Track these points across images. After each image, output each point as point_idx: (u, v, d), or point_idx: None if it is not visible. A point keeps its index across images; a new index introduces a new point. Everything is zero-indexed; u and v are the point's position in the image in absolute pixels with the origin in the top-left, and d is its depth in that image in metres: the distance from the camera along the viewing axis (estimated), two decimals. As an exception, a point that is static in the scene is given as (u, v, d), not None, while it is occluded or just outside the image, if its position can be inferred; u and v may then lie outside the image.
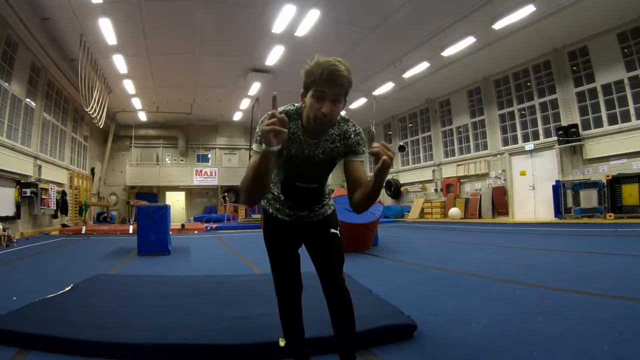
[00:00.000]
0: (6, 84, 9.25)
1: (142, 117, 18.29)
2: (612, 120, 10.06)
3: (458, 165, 14.98)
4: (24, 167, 10.34)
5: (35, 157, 11.07)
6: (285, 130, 1.17)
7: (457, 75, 13.32)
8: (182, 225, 12.94)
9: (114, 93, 14.09)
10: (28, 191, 10.17)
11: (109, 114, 15.26)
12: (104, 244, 8.22)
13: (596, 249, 5.26)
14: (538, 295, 2.87)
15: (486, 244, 6.64)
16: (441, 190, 15.83)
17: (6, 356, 1.83)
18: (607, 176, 9.80)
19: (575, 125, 10.66)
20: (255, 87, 14.34)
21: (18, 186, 9.80)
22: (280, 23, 9.55)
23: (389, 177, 18.37)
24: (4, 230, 7.66)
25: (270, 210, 1.57)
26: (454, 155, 15.40)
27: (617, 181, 9.65)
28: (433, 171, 16.21)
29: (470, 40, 10.50)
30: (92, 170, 17.60)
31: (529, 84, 12.31)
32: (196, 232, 12.04)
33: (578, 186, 10.58)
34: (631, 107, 9.61)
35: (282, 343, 1.65)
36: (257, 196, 1.38)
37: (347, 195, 1.42)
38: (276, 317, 1.60)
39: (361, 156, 1.46)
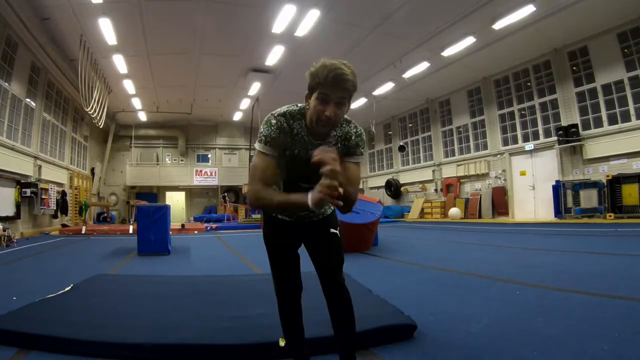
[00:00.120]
0: (6, 84, 9.25)
1: (142, 117, 18.30)
2: (612, 120, 10.06)
3: (458, 165, 14.98)
4: (24, 167, 10.34)
5: (35, 157, 11.07)
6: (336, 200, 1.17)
7: (457, 75, 13.32)
8: (182, 225, 12.94)
9: (114, 93, 14.09)
10: (28, 191, 10.18)
11: (109, 114, 15.26)
12: (104, 244, 8.22)
13: (596, 249, 5.26)
14: (538, 295, 2.87)
15: (486, 244, 6.64)
16: (441, 190, 15.83)
17: (6, 356, 1.83)
18: (607, 176, 9.80)
19: (575, 125, 10.66)
20: (255, 87, 14.35)
21: (18, 186, 9.80)
22: (280, 23, 9.55)
23: (389, 177, 18.44)
24: (4, 230, 7.66)
25: (271, 210, 1.57)
26: (454, 155, 15.40)
27: (617, 181, 9.65)
28: (433, 171, 16.20)
29: (470, 40, 10.50)
30: (92, 170, 17.60)
31: (529, 84, 12.31)
32: (196, 232, 12.04)
33: (578, 186, 10.58)
34: (631, 107, 9.61)
35: (282, 343, 1.65)
36: (268, 211, 1.40)
37: None
38: (276, 317, 1.59)
39: (358, 157, 1.46)
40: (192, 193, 21.10)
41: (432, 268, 4.36)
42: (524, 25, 9.67)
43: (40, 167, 11.27)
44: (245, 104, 16.71)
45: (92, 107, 10.97)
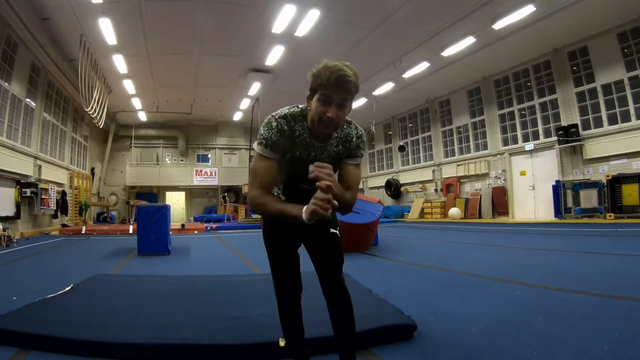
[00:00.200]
0: (6, 84, 9.25)
1: (142, 117, 18.30)
2: (612, 120, 10.06)
3: (458, 165, 14.98)
4: (24, 167, 10.34)
5: (35, 157, 11.07)
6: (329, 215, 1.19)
7: (457, 75, 13.32)
8: (182, 225, 12.94)
9: (114, 93, 14.09)
10: (28, 191, 10.18)
11: (109, 114, 15.26)
12: (104, 244, 8.22)
13: (596, 249, 5.25)
14: (538, 295, 2.87)
15: (486, 244, 6.64)
16: (441, 190, 15.83)
17: (6, 356, 1.83)
18: (607, 176, 9.80)
19: (575, 125, 10.66)
20: (255, 87, 14.35)
21: (18, 186, 9.80)
22: (280, 23, 9.55)
23: (389, 177, 18.44)
24: (4, 230, 7.66)
25: (270, 210, 1.56)
26: (454, 155, 15.40)
27: (617, 181, 9.65)
28: (433, 171, 16.20)
29: (470, 40, 10.50)
30: (92, 170, 17.60)
31: (529, 84, 12.31)
32: (196, 232, 12.04)
33: (578, 186, 10.58)
34: (631, 107, 9.61)
35: (282, 343, 1.65)
36: (266, 218, 1.45)
37: None
38: (276, 317, 1.59)
39: (358, 159, 1.47)
40: (192, 193, 21.11)
41: (432, 268, 4.36)
42: (524, 25, 9.67)
43: (40, 167, 11.27)
44: (245, 104, 16.71)
45: (92, 107, 10.97)
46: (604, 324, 2.12)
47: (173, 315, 2.40)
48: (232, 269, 4.78)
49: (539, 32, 10.14)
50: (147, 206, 6.72)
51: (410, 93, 15.08)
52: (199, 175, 19.92)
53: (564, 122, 11.04)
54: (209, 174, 20.03)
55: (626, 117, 9.74)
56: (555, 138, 11.19)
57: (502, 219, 12.75)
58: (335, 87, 1.25)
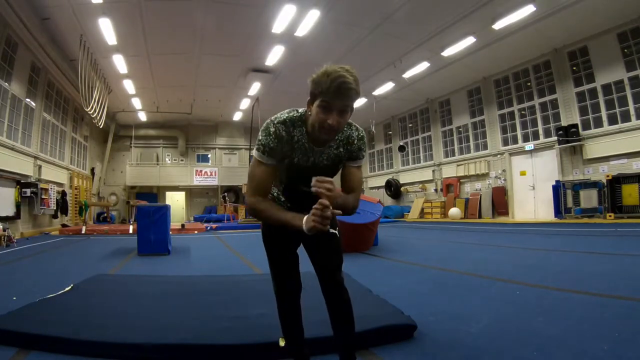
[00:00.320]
0: (6, 84, 9.25)
1: (142, 117, 18.30)
2: (612, 120, 10.06)
3: (458, 165, 14.98)
4: (24, 167, 10.34)
5: (35, 157, 11.07)
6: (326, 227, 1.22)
7: (457, 75, 13.32)
8: (182, 225, 12.94)
9: (114, 93, 14.09)
10: (28, 191, 10.18)
11: (109, 114, 15.26)
12: (104, 244, 8.22)
13: (596, 249, 5.26)
14: (538, 295, 2.87)
15: (486, 244, 6.64)
16: (441, 190, 15.83)
17: (6, 356, 1.83)
18: (607, 176, 9.80)
19: (575, 125, 10.66)
20: (255, 87, 14.34)
21: (18, 186, 9.80)
22: (280, 23, 9.55)
23: (389, 177, 18.44)
24: (4, 230, 7.66)
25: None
26: (454, 155, 15.40)
27: (617, 181, 9.65)
28: (433, 171, 16.20)
29: (470, 40, 10.50)
30: (92, 170, 17.60)
31: (529, 84, 12.31)
32: (196, 232, 12.05)
33: (578, 186, 10.58)
34: (631, 107, 9.61)
35: (282, 343, 1.65)
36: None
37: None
38: (276, 317, 1.59)
39: (360, 161, 1.48)
40: (192, 193, 21.10)
41: (432, 268, 4.36)
42: (524, 25, 9.67)
43: (40, 167, 11.27)
44: (245, 104, 16.71)
45: (92, 107, 10.97)
46: (604, 324, 2.12)
47: (173, 315, 2.40)
48: (232, 269, 4.78)
49: (539, 32, 10.13)
50: (147, 206, 6.72)
51: (410, 93, 15.08)
52: (199, 175, 19.92)
53: (564, 122, 11.04)
54: (209, 174, 20.03)
55: (626, 117, 9.74)
56: (555, 138, 11.19)
57: (502, 219, 12.75)
58: (336, 95, 1.24)
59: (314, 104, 1.30)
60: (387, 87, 14.16)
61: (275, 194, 1.55)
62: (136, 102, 15.98)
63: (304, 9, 9.03)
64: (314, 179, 1.23)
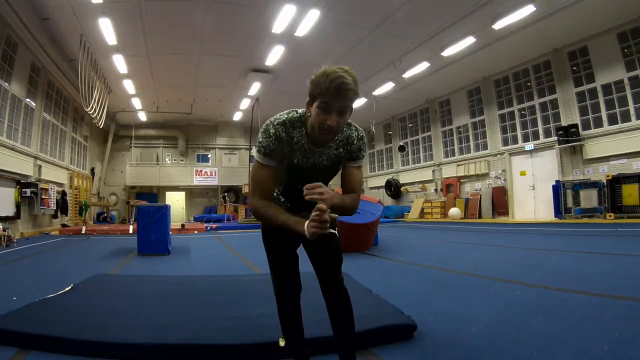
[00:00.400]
0: (6, 84, 9.25)
1: (142, 117, 18.29)
2: (612, 120, 10.06)
3: (458, 165, 14.98)
4: (24, 167, 10.34)
5: (35, 157, 11.07)
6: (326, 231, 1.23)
7: (457, 75, 13.32)
8: (182, 225, 12.94)
9: (114, 93, 14.09)
10: (28, 191, 10.17)
11: (109, 114, 15.26)
12: (104, 244, 8.22)
13: (596, 249, 5.26)
14: (538, 295, 2.87)
15: (486, 244, 6.64)
16: (441, 190, 15.83)
17: (6, 356, 1.83)
18: (607, 176, 9.80)
19: (575, 125, 10.66)
20: (255, 87, 14.35)
21: (18, 186, 9.80)
22: (280, 23, 9.55)
23: (389, 177, 18.44)
24: (4, 230, 7.66)
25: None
26: (454, 155, 15.40)
27: (617, 181, 9.65)
28: (433, 171, 16.21)
29: (470, 40, 10.50)
30: (92, 170, 17.60)
31: (529, 84, 12.31)
32: (196, 232, 12.05)
33: (578, 186, 10.58)
34: (631, 107, 9.61)
35: (282, 343, 1.65)
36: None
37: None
38: (276, 317, 1.59)
39: (360, 161, 1.48)
40: (192, 193, 21.10)
41: (432, 268, 4.36)
42: (524, 25, 9.67)
43: (40, 167, 11.27)
44: (245, 104, 16.71)
45: (92, 107, 10.97)
46: (604, 324, 2.12)
47: (173, 315, 2.40)
48: (232, 269, 4.78)
49: (539, 32, 10.13)
50: (147, 206, 6.72)
51: (410, 93, 15.08)
52: (199, 175, 19.92)
53: (564, 122, 11.04)
54: (209, 174, 20.03)
55: (626, 117, 9.74)
56: (555, 138, 11.19)
57: (502, 219, 12.75)
58: (335, 95, 1.24)
59: (313, 105, 1.30)
60: (387, 87, 14.16)
61: (275, 194, 1.55)
62: (136, 102, 15.98)
63: (304, 9, 9.03)
64: (305, 188, 1.24)
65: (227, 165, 20.82)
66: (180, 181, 19.80)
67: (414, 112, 17.34)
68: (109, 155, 18.86)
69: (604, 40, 10.01)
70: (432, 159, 16.38)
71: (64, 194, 13.07)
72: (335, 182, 1.49)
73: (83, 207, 13.68)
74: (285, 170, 1.44)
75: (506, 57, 11.95)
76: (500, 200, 13.15)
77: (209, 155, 21.40)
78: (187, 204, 21.02)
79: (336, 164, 1.47)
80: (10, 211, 9.40)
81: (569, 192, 10.78)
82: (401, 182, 18.13)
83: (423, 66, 12.28)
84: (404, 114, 17.99)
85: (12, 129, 9.79)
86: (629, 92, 9.63)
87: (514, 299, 2.80)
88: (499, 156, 13.41)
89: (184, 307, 2.60)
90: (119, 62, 11.69)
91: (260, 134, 1.38)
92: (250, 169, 1.42)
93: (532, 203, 12.33)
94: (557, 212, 10.98)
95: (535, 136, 12.20)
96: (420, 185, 16.84)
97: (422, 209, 16.05)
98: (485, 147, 13.99)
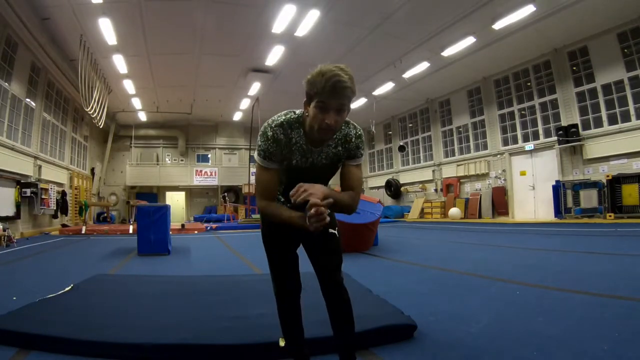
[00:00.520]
0: (6, 84, 9.25)
1: (142, 117, 18.29)
2: (612, 120, 10.06)
3: (458, 165, 14.98)
4: (24, 167, 10.34)
5: (35, 157, 11.07)
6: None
7: (457, 75, 13.32)
8: (182, 225, 12.94)
9: (114, 93, 14.09)
10: (28, 191, 10.18)
11: (109, 114, 15.26)
12: (104, 244, 8.22)
13: (596, 249, 5.25)
14: (538, 295, 2.87)
15: (486, 244, 6.64)
16: (441, 190, 15.83)
17: (6, 356, 1.83)
18: (607, 176, 9.80)
19: (575, 125, 10.66)
20: (255, 87, 14.35)
21: (18, 186, 9.80)
22: (280, 23, 9.55)
23: (389, 177, 18.44)
24: (4, 230, 7.66)
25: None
26: (454, 155, 15.40)
27: (617, 181, 9.65)
28: (433, 171, 16.21)
29: (470, 40, 10.50)
30: (92, 170, 17.60)
31: (529, 84, 12.31)
32: (196, 232, 12.04)
33: (578, 186, 10.58)
34: (631, 107, 9.61)
35: (282, 343, 1.65)
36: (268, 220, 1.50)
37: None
38: (276, 317, 1.60)
39: (359, 160, 1.48)
40: (192, 193, 21.10)
41: (432, 268, 4.36)
42: (524, 25, 9.67)
43: (40, 167, 11.27)
44: (245, 104, 16.71)
45: (92, 107, 10.97)
46: (604, 324, 2.12)
47: (173, 315, 2.40)
48: (232, 269, 4.78)
49: (539, 32, 10.13)
50: (147, 206, 6.72)
51: (410, 93, 15.08)
52: (199, 175, 19.92)
53: (564, 122, 11.04)
54: (209, 174, 20.03)
55: (626, 117, 9.74)
56: (555, 138, 11.19)
57: (502, 219, 12.75)
58: (331, 94, 1.24)
59: (310, 104, 1.30)
60: (387, 87, 14.15)
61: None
62: (136, 102, 15.98)
63: (304, 9, 9.03)
64: (292, 192, 1.25)
65: (227, 165, 20.82)
66: (180, 181, 19.80)
67: (414, 112, 17.34)
68: (109, 155, 18.86)
69: (604, 40, 10.01)
70: (432, 159, 16.38)
71: (64, 194, 13.07)
72: (335, 182, 1.49)
73: (83, 207, 13.68)
74: (285, 171, 1.45)
75: (506, 57, 11.95)
76: (500, 200, 13.15)
77: (209, 155, 21.40)
78: (187, 204, 21.02)
79: (335, 162, 1.47)
80: (10, 211, 9.40)
81: (569, 192, 10.78)
82: (401, 182, 18.13)
83: (423, 66, 12.28)
84: (404, 114, 17.99)
85: (12, 129, 9.79)
86: (629, 92, 9.63)
87: (514, 299, 2.80)
88: (499, 156, 13.41)
89: (184, 307, 2.60)
90: (119, 62, 11.68)
91: (259, 137, 1.39)
92: (252, 169, 1.43)
93: (532, 203, 12.33)
94: (557, 212, 10.98)
95: (535, 136, 12.20)
96: (420, 185, 16.84)
97: (422, 209, 16.05)
98: (485, 147, 14.00)
